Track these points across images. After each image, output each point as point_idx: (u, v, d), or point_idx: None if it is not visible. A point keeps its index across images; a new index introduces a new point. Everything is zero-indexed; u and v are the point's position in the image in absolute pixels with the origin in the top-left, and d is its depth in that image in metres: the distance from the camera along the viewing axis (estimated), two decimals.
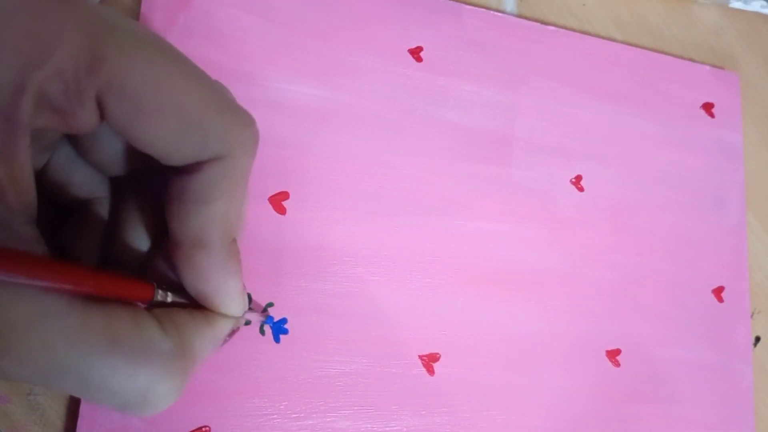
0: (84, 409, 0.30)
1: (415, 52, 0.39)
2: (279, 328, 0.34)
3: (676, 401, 0.41)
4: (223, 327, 0.27)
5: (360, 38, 0.38)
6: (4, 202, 0.20)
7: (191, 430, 0.31)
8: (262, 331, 0.33)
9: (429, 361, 0.36)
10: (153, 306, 0.25)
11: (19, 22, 0.19)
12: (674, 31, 0.47)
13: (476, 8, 0.41)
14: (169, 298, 0.26)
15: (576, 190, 0.41)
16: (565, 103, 0.42)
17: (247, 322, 0.31)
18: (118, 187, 0.27)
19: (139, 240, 0.27)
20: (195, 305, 0.27)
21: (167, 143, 0.23)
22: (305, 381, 0.34)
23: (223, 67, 0.35)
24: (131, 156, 0.26)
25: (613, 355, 0.40)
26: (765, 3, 0.47)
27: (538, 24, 0.43)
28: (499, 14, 0.42)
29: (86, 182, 0.27)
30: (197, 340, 0.25)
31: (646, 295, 0.42)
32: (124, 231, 0.27)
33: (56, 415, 0.31)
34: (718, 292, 0.44)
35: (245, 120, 0.24)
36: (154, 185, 0.27)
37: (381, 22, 0.39)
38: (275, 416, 0.33)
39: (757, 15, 0.50)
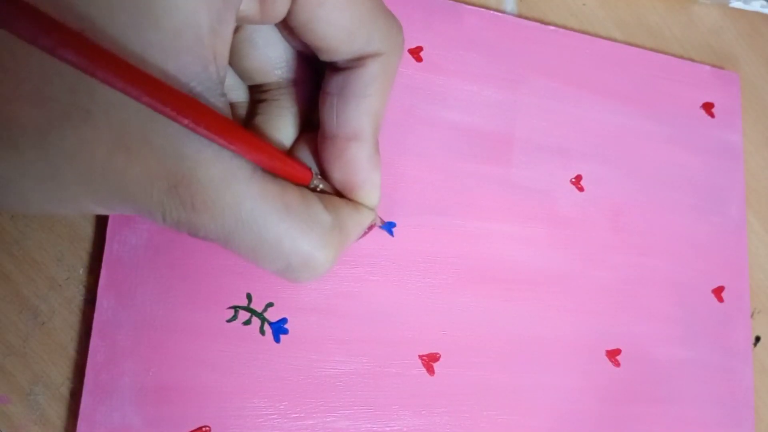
0: (84, 409, 0.30)
1: (415, 52, 0.39)
2: (279, 328, 0.34)
3: (676, 401, 0.41)
4: (367, 216, 0.30)
5: None
6: (207, 73, 0.22)
7: (191, 429, 0.32)
8: (262, 331, 0.33)
9: (429, 361, 0.36)
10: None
11: None
12: (674, 30, 0.47)
13: (476, 8, 0.41)
14: (320, 186, 0.28)
15: (576, 190, 0.41)
16: (565, 103, 0.42)
17: (379, 224, 0.35)
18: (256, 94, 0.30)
19: (282, 138, 0.30)
20: (340, 195, 0.30)
21: (340, 36, 0.26)
22: (305, 381, 0.34)
23: None
24: (281, 63, 0.29)
25: (613, 355, 0.40)
26: (765, 3, 0.47)
27: (538, 24, 0.43)
28: (499, 14, 0.42)
29: (233, 87, 0.30)
30: (349, 221, 0.28)
31: (646, 295, 0.42)
32: (267, 130, 0.29)
33: (56, 415, 0.31)
34: (718, 291, 0.44)
35: (399, 25, 0.28)
36: (300, 90, 0.30)
37: None
38: (275, 416, 0.33)
39: (758, 15, 0.50)
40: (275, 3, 0.24)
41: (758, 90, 0.49)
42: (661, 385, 0.41)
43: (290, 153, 0.30)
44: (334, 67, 0.28)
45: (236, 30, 0.27)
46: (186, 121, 0.21)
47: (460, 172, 0.39)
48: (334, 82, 0.27)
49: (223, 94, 0.23)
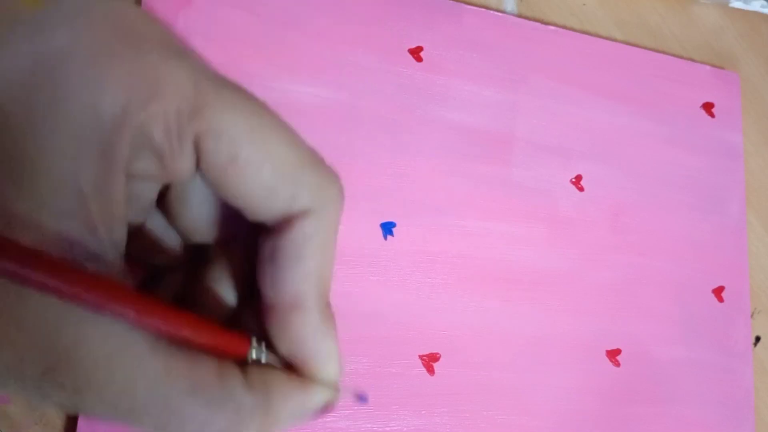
0: None
1: (416, 52, 0.39)
2: None
3: (676, 401, 0.41)
4: (317, 396, 0.26)
5: (360, 38, 0.38)
6: (96, 236, 0.20)
7: None
8: None
9: (429, 361, 0.36)
10: (246, 363, 0.25)
11: (130, 61, 0.20)
12: (674, 30, 0.47)
13: (476, 8, 0.41)
14: (263, 358, 0.25)
15: (576, 189, 0.41)
16: (565, 103, 0.42)
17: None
18: (199, 253, 0.27)
19: (223, 303, 0.27)
20: (288, 368, 0.26)
21: (259, 194, 0.23)
22: None
23: (223, 67, 0.35)
24: (219, 222, 0.26)
25: (613, 354, 0.40)
26: (765, 3, 0.47)
27: (538, 24, 0.43)
28: (499, 14, 0.42)
29: (172, 249, 0.27)
30: (284, 403, 0.25)
31: (646, 294, 0.42)
32: (205, 295, 0.26)
33: (56, 414, 0.31)
34: (718, 291, 0.44)
35: (333, 175, 0.24)
36: (239, 251, 0.27)
37: (381, 22, 0.39)
38: None
39: (757, 15, 0.50)
40: (174, 161, 0.22)
41: (758, 90, 0.49)
42: (661, 385, 0.41)
43: (233, 320, 0.26)
44: (265, 229, 0.24)
45: (167, 187, 0.24)
46: (57, 292, 0.19)
47: (460, 171, 0.39)
48: (267, 246, 0.24)
49: (118, 257, 0.21)
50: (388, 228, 0.36)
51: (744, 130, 0.48)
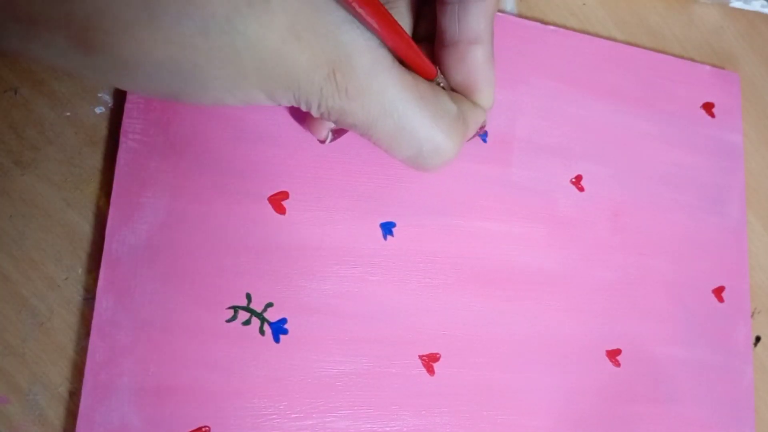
0: (83, 409, 0.30)
1: None
2: (279, 328, 0.34)
3: (677, 401, 0.41)
4: (482, 113, 0.32)
5: None
6: None
7: (191, 430, 0.31)
8: (261, 332, 0.33)
9: (429, 361, 0.36)
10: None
11: None
12: (674, 30, 0.47)
13: None
14: (442, 83, 0.31)
15: (576, 189, 0.41)
16: (565, 103, 0.42)
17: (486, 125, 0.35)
18: None
19: None
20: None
21: None
22: (305, 381, 0.34)
23: None
24: None
25: (613, 355, 0.40)
26: (765, 2, 0.47)
27: (537, 23, 0.43)
28: (499, 14, 0.42)
29: None
30: (470, 113, 0.31)
31: (646, 294, 0.42)
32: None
33: (55, 415, 0.31)
34: (718, 291, 0.44)
35: None
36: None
37: None
38: (275, 416, 0.33)
39: (758, 15, 0.50)
40: None
41: (758, 90, 0.49)
42: (661, 385, 0.41)
43: None
44: None
45: None
46: (355, 4, 0.24)
47: (459, 171, 0.39)
48: None
49: None
50: (387, 228, 0.36)
51: (744, 130, 0.48)
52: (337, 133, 0.33)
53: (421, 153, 0.29)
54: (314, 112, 0.27)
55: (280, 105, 0.29)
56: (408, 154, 0.29)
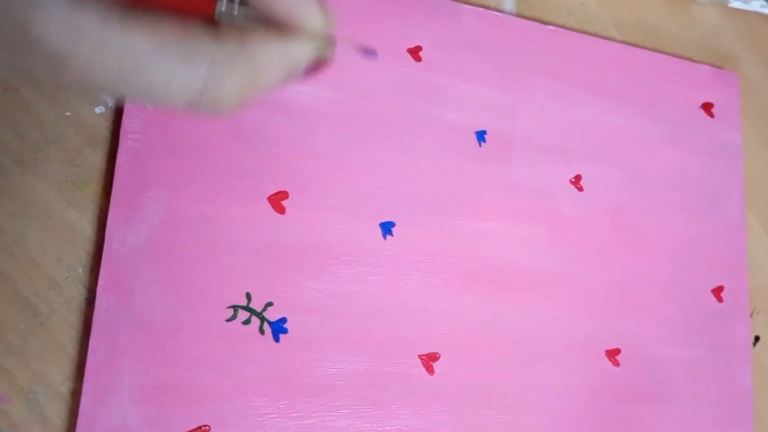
0: (83, 408, 0.30)
1: (415, 52, 0.39)
2: (278, 328, 0.34)
3: (676, 400, 0.41)
4: (301, 45, 0.26)
5: (359, 38, 0.38)
6: None
7: (191, 429, 0.32)
8: (261, 331, 0.33)
9: (428, 360, 0.36)
10: (218, 20, 0.25)
11: None
12: (674, 30, 0.47)
13: (475, 8, 0.41)
14: (236, 10, 0.25)
15: (575, 189, 0.41)
16: (564, 103, 0.42)
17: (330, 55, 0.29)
18: None
19: None
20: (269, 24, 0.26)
21: None
22: (304, 380, 0.34)
23: None
24: None
25: (612, 354, 0.40)
26: (764, 3, 0.47)
27: (537, 23, 0.43)
28: (498, 14, 0.42)
29: None
30: (265, 51, 0.25)
31: (645, 294, 0.42)
32: None
33: (56, 414, 0.31)
34: (717, 291, 0.44)
35: None
36: None
37: (380, 22, 0.39)
38: (275, 415, 0.33)
39: (757, 15, 0.50)
40: None
41: (757, 90, 0.49)
42: (660, 385, 0.41)
43: None
44: None
45: None
46: None
47: (459, 171, 0.39)
48: None
49: None
50: (387, 228, 0.36)
51: (743, 130, 0.48)
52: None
53: (191, 103, 0.25)
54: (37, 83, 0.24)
55: None
56: (178, 105, 0.25)
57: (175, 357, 0.32)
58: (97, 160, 0.33)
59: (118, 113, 0.34)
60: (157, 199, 0.33)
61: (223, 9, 0.25)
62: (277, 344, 0.34)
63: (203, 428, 0.32)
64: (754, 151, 0.48)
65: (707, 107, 0.46)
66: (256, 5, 0.25)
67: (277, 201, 0.35)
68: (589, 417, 0.39)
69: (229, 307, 0.33)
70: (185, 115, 0.31)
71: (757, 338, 0.45)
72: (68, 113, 0.33)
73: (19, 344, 0.31)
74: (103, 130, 0.34)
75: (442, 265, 0.37)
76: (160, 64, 0.24)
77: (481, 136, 0.39)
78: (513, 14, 0.43)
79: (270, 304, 0.34)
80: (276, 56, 0.26)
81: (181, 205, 0.33)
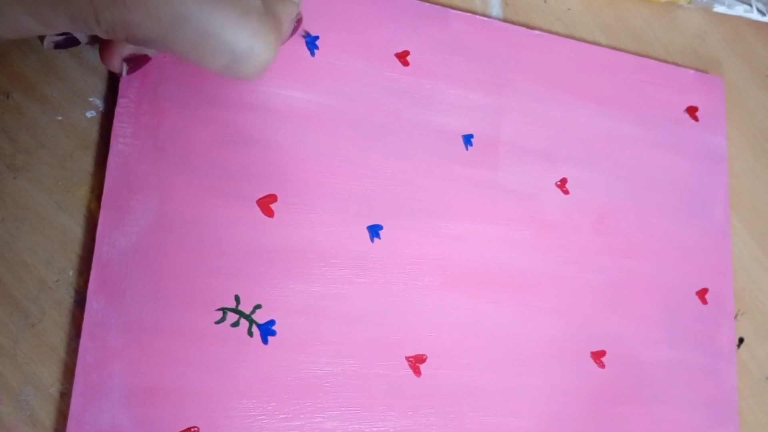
0: (73, 410, 0.30)
1: (402, 56, 0.39)
2: (267, 330, 0.34)
3: (661, 402, 0.41)
4: (292, 6, 0.30)
5: (347, 42, 0.39)
6: None
7: (180, 430, 0.32)
8: (250, 333, 0.34)
9: (415, 362, 0.36)
10: None
11: None
12: (659, 35, 0.48)
13: (462, 13, 0.42)
14: None
15: (561, 193, 0.42)
16: (550, 107, 0.42)
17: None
18: None
19: None
20: None
21: None
22: (293, 382, 0.34)
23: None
24: None
25: (597, 356, 0.40)
26: (748, 7, 0.48)
27: (523, 28, 0.43)
28: (485, 18, 0.42)
29: None
30: (280, 7, 0.28)
31: (630, 296, 0.42)
32: None
33: (46, 415, 0.31)
34: (702, 293, 0.44)
35: None
36: None
37: (368, 26, 0.39)
38: (263, 417, 0.33)
39: (741, 19, 0.50)
40: None
41: (742, 94, 0.50)
42: (645, 387, 0.41)
43: None
44: None
45: None
46: None
47: (446, 174, 0.39)
48: None
49: None
50: (374, 230, 0.37)
51: (728, 134, 0.48)
52: (134, 62, 0.30)
53: (235, 59, 0.26)
54: (100, 33, 0.24)
55: (60, 31, 0.26)
56: (221, 63, 0.26)
57: (164, 359, 0.32)
58: (87, 163, 0.34)
59: (108, 118, 0.34)
60: (147, 202, 0.33)
61: None
62: (265, 346, 0.34)
63: (192, 429, 0.32)
64: (738, 154, 0.49)
65: (692, 111, 0.47)
66: None
67: (266, 204, 0.35)
68: (575, 418, 0.39)
69: (218, 309, 0.33)
70: (217, 76, 0.33)
71: (741, 340, 0.45)
72: (60, 117, 0.33)
73: (9, 346, 0.31)
74: (94, 134, 0.34)
75: (429, 268, 0.38)
76: (215, 15, 0.24)
77: (467, 139, 0.40)
78: (500, 19, 0.43)
79: (259, 306, 0.34)
80: (287, 12, 0.29)
81: (170, 208, 0.33)
